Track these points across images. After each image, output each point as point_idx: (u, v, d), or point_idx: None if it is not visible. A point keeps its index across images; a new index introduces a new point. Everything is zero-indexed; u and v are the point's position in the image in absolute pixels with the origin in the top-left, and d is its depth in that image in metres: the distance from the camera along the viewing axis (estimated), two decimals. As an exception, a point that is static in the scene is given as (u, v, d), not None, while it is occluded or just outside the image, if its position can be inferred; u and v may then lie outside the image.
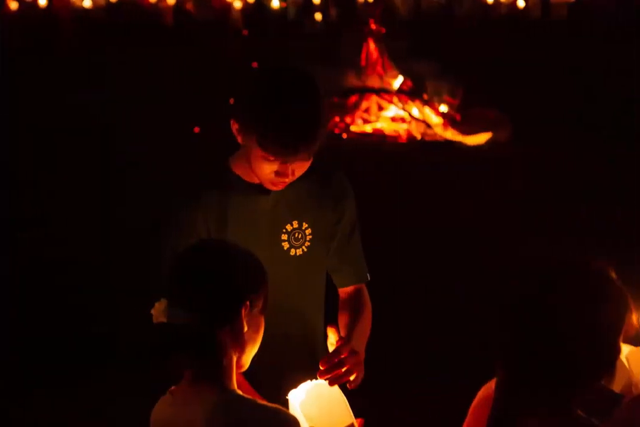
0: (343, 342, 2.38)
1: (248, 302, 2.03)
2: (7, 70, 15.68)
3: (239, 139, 2.41)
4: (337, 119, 11.73)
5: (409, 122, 11.71)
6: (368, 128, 11.82)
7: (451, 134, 11.44)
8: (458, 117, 11.74)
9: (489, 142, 11.14)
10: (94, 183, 9.29)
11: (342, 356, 2.32)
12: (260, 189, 2.49)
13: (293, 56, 13.82)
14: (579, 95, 13.37)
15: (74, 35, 22.01)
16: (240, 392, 2.01)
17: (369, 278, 2.71)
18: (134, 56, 18.75)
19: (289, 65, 2.42)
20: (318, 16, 25.38)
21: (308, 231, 2.56)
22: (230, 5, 25.46)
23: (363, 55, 12.27)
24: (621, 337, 1.93)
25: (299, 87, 2.35)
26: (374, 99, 11.97)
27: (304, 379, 2.25)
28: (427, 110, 11.83)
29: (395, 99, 11.85)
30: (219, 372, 2.01)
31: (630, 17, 21.94)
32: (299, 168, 2.40)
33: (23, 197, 8.74)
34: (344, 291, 2.70)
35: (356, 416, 2.23)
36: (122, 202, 8.36)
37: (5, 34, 21.33)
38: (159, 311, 1.99)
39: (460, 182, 9.15)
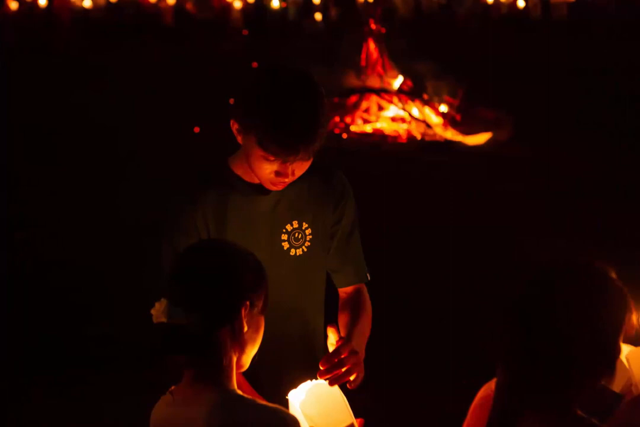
0: (343, 342, 2.37)
1: (248, 302, 2.03)
2: (7, 70, 15.68)
3: (239, 139, 2.41)
4: (337, 119, 11.73)
5: (409, 122, 11.71)
6: (368, 128, 11.82)
7: (451, 134, 11.44)
8: (458, 117, 11.74)
9: (489, 142, 11.14)
10: (93, 183, 9.28)
11: (342, 356, 2.32)
12: (260, 189, 2.48)
13: (293, 56, 13.81)
14: (579, 95, 13.37)
15: (74, 35, 22.02)
16: (240, 392, 2.01)
17: (369, 278, 2.71)
18: (134, 56, 18.75)
19: (289, 65, 2.41)
20: (318, 16, 25.39)
21: (308, 231, 2.55)
22: (230, 5, 25.49)
23: (363, 55, 12.27)
24: (621, 337, 1.92)
25: (299, 87, 2.34)
26: (374, 99, 11.97)
27: (304, 379, 2.24)
28: (427, 110, 11.83)
29: (395, 99, 11.85)
30: (219, 372, 2.01)
31: (630, 17, 21.96)
32: (299, 168, 2.39)
33: (22, 197, 8.74)
34: (344, 291, 2.70)
35: (356, 415, 2.23)
36: (121, 203, 8.36)
37: (5, 34, 21.34)
38: (159, 311, 1.99)
39: (460, 182, 9.15)
